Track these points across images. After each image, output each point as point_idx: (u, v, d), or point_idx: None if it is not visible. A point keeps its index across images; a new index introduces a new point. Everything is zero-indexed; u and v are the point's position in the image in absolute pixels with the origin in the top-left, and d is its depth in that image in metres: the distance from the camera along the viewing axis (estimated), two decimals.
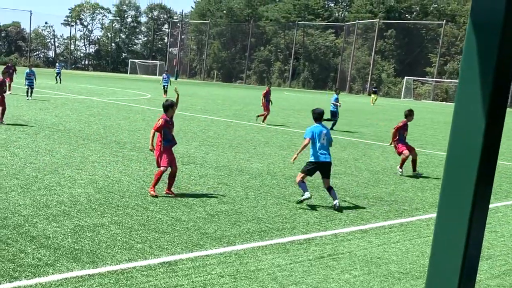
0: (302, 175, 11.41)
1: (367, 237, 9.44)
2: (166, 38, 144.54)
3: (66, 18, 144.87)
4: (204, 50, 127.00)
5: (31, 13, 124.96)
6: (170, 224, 9.20)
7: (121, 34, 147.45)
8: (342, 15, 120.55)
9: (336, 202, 11.12)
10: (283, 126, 27.60)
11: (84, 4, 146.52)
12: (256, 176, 14.10)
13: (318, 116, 11.64)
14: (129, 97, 42.20)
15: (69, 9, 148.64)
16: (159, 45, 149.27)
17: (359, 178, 14.91)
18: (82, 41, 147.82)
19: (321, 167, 11.37)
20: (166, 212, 9.93)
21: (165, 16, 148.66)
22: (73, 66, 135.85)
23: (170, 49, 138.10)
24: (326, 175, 11.37)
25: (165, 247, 8.05)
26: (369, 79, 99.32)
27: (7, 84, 33.35)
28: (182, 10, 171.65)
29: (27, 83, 33.02)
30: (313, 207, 11.19)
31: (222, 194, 11.78)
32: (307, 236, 9.21)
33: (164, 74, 47.26)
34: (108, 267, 7.12)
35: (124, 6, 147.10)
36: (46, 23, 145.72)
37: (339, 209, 11.10)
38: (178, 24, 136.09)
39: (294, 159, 11.75)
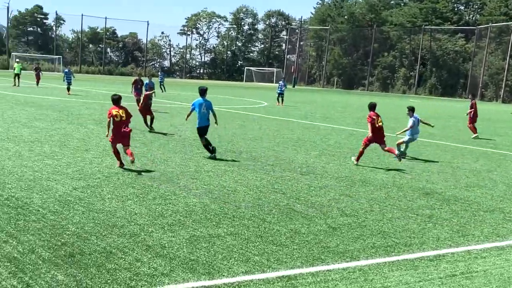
0: (201, 139, 16.84)
1: (504, 255, 9.00)
2: (283, 45, 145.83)
3: (182, 28, 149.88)
4: (323, 57, 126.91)
5: (148, 24, 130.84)
6: (288, 237, 9.17)
7: (237, 42, 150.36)
8: (473, 18, 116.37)
9: (214, 153, 16.74)
10: None
11: (201, 13, 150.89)
12: (381, 187, 13.82)
13: (201, 92, 16.85)
14: (245, 105, 42.88)
15: (185, 19, 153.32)
16: (276, 52, 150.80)
17: (494, 191, 14.24)
18: (198, 50, 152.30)
19: (203, 129, 16.73)
20: (284, 224, 9.91)
21: (283, 22, 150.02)
22: (188, 75, 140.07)
23: (288, 56, 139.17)
24: (205, 133, 16.80)
25: (283, 260, 8.01)
26: (503, 85, 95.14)
27: (135, 100, 34.65)
28: (301, 16, 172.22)
29: None
30: (443, 222, 10.80)
31: (344, 206, 11.62)
32: (437, 252, 8.91)
33: (280, 81, 47.41)
34: (224, 279, 7.17)
35: (241, 13, 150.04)
36: (162, 33, 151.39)
37: (214, 150, 16.70)
38: (297, 30, 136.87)
39: (186, 119, 17.63)
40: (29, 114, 26.19)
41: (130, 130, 14.58)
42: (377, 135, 17.15)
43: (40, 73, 53.13)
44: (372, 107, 17.44)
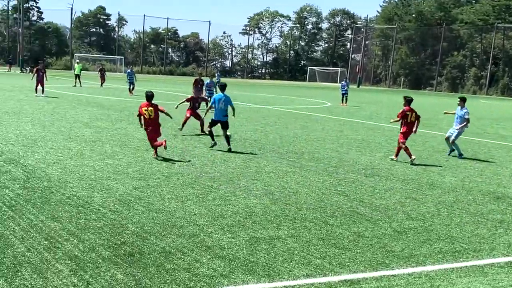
0: (209, 125, 17.99)
1: None
2: (348, 44, 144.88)
3: (244, 27, 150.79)
4: (390, 56, 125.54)
5: (209, 24, 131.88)
6: (351, 240, 9.07)
7: (300, 41, 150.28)
8: None
9: (229, 146, 17.66)
10: (479, 137, 26.34)
11: (263, 13, 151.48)
12: (449, 190, 13.53)
13: (221, 88, 18.18)
14: (307, 106, 42.76)
15: (247, 18, 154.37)
16: (341, 52, 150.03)
17: None
18: (260, 49, 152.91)
19: (220, 123, 17.75)
20: (347, 227, 9.82)
21: (348, 21, 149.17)
22: (249, 75, 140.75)
23: (353, 56, 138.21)
24: (224, 127, 17.74)
25: (346, 264, 7.93)
26: None
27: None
28: (367, 15, 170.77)
29: (207, 94, 33.91)
30: None
31: (410, 209, 11.43)
32: (508, 259, 8.68)
33: (343, 81, 47.09)
34: (284, 281, 7.15)
35: (305, 12, 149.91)
36: (224, 32, 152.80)
37: (230, 150, 17.44)
38: (362, 29, 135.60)
39: (205, 114, 19.02)
40: (91, 114, 26.78)
41: (153, 130, 15.90)
42: (406, 131, 17.61)
43: (105, 74, 54.35)
44: (408, 101, 17.77)
